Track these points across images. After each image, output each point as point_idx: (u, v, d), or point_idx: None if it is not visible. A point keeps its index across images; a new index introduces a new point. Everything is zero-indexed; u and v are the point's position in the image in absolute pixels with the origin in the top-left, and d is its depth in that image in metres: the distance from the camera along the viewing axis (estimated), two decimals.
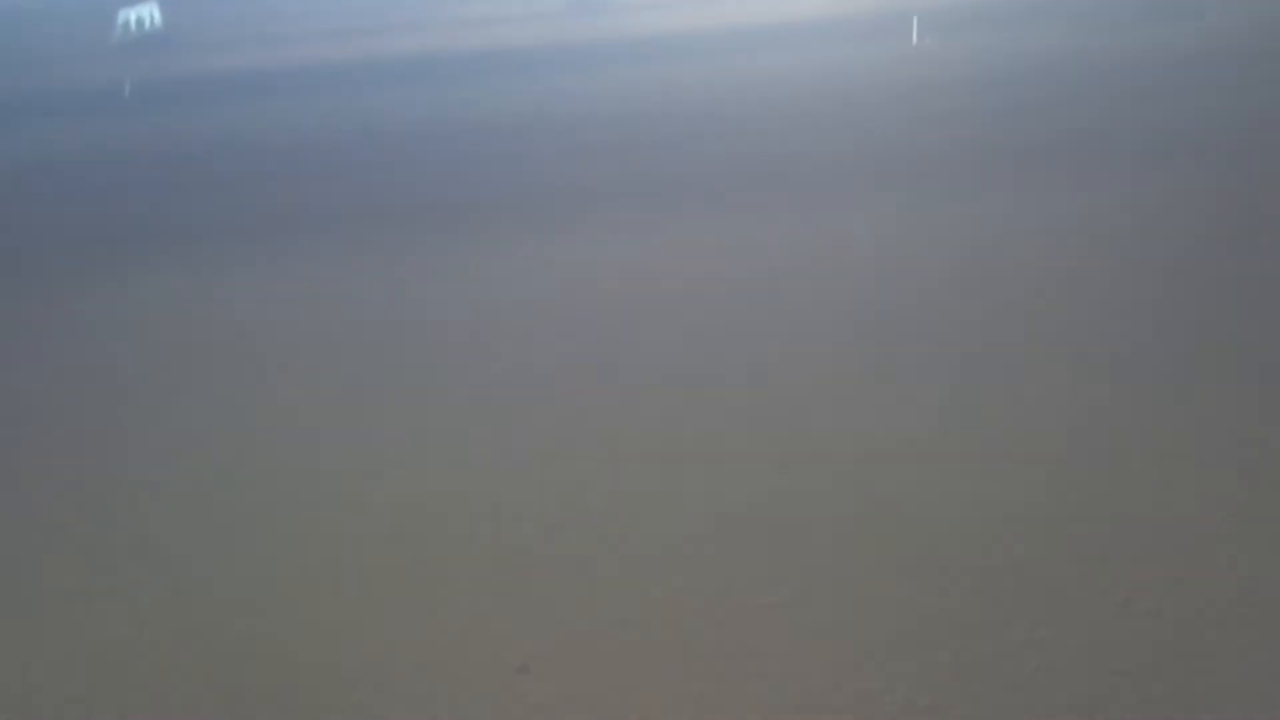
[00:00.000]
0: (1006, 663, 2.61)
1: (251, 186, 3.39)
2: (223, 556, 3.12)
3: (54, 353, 3.59)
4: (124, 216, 3.47)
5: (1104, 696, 2.50)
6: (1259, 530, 2.91)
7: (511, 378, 3.49)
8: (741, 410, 3.40)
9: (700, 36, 2.87)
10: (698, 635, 2.76)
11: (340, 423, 3.46)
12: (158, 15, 3.28)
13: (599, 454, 3.31)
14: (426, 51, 3.64)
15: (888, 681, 2.61)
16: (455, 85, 3.17)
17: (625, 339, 3.54)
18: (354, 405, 3.47)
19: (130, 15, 3.15)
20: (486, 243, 3.36)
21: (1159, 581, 2.81)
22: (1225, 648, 2.62)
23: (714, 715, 2.49)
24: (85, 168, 3.15)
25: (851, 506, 3.08)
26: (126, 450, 3.52)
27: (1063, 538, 2.97)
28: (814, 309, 3.48)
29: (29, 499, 3.35)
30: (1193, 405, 3.24)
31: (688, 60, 2.85)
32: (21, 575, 3.05)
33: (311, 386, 3.48)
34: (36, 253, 3.24)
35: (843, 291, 3.43)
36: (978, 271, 3.26)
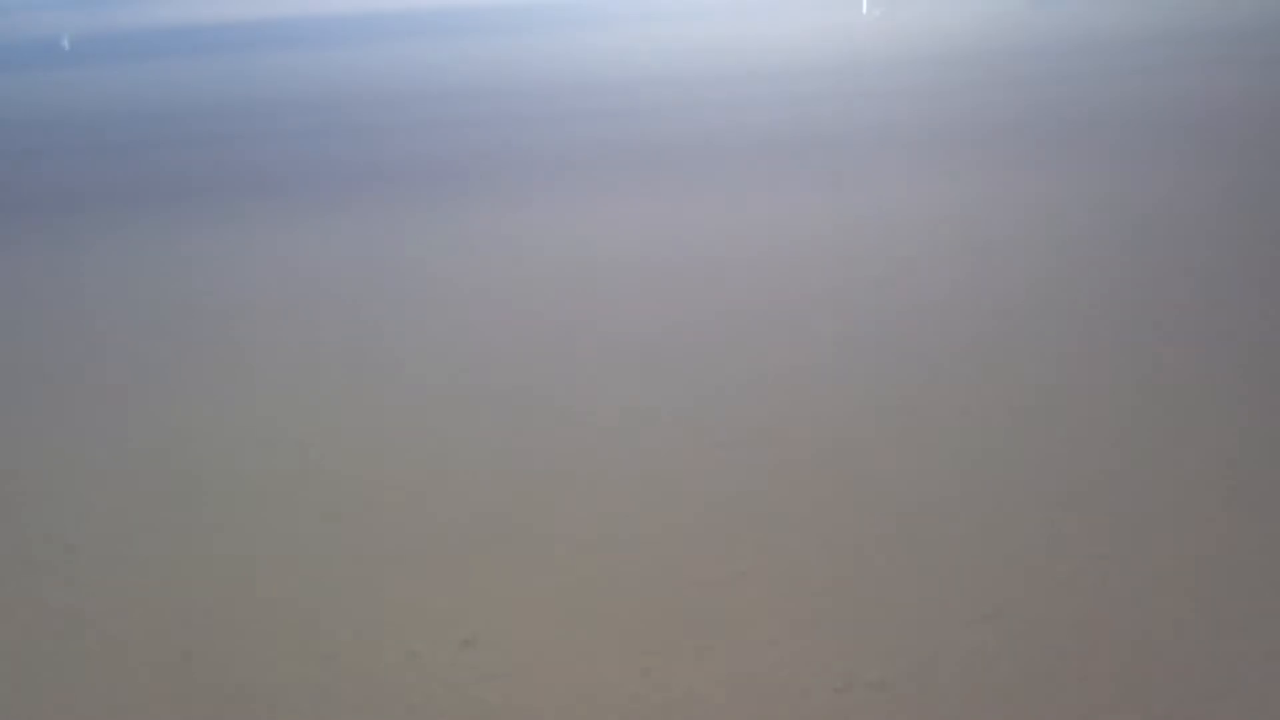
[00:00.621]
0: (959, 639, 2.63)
1: (185, 150, 3.32)
2: (175, 524, 3.08)
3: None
4: (62, 177, 3.38)
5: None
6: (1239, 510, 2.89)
7: (462, 352, 3.45)
8: (693, 390, 3.39)
9: (649, 3, 2.81)
10: (645, 609, 2.83)
11: (297, 393, 3.42)
12: None
13: (550, 430, 3.30)
14: (383, 9, 3.52)
15: (833, 658, 2.67)
16: (407, 44, 3.08)
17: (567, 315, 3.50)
18: (312, 373, 3.43)
19: None
20: (444, 209, 3.31)
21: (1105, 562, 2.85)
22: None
23: (660, 688, 2.54)
24: (20, 126, 3.06)
25: (798, 476, 3.08)
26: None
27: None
28: (768, 285, 3.46)
29: None
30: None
31: (635, 26, 2.80)
32: None
33: (265, 351, 3.43)
34: None
35: (786, 269, 3.42)
36: (913, 247, 3.26)
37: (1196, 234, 3.22)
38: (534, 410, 3.26)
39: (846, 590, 2.81)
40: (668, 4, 3.08)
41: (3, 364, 3.31)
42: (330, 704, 2.51)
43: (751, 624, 2.78)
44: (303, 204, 3.50)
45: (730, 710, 2.42)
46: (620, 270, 3.24)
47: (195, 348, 3.18)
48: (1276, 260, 3.20)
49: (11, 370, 3.31)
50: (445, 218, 3.39)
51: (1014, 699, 2.43)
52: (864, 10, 2.77)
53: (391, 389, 3.33)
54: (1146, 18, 3.01)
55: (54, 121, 2.93)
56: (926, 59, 2.87)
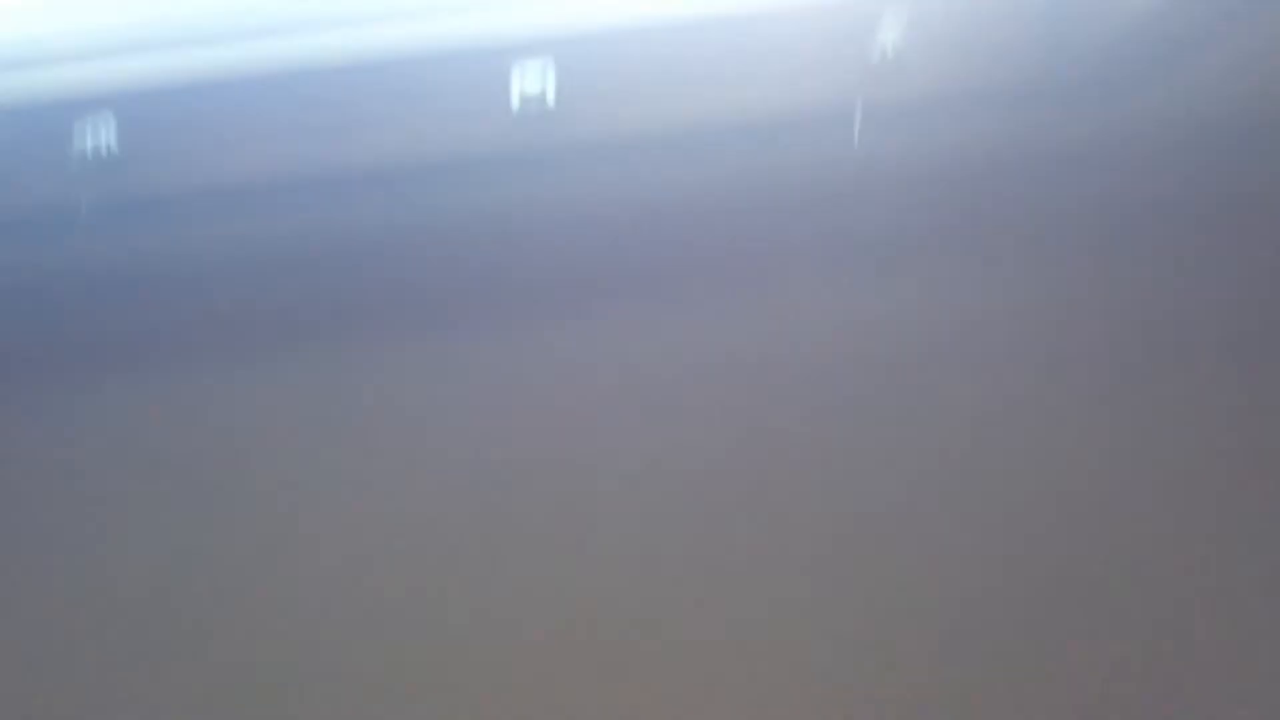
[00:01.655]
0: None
1: (217, 298, 3.41)
2: (206, 563, 3.11)
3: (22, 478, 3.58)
4: (85, 334, 3.49)
5: None
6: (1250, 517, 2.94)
7: (489, 470, 3.51)
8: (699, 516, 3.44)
9: (636, 141, 2.90)
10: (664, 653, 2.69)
11: (333, 520, 3.48)
12: (113, 135, 3.29)
13: (550, 573, 3.35)
14: (395, 153, 3.66)
15: (866, 684, 2.51)
16: (418, 187, 3.18)
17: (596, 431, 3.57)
18: (343, 504, 3.49)
19: (86, 137, 3.18)
20: (480, 336, 3.39)
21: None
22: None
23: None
24: (44, 288, 3.14)
25: (823, 520, 3.11)
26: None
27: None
28: (782, 396, 3.52)
29: None
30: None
31: (628, 165, 2.89)
32: None
33: (299, 491, 3.50)
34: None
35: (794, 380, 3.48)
36: (931, 366, 3.32)
37: (1202, 331, 3.28)
38: (534, 535, 3.30)
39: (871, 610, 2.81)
40: (652, 144, 3.21)
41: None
42: None
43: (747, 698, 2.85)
44: (297, 341, 3.57)
45: None
46: (625, 381, 3.30)
47: (198, 484, 3.23)
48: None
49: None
50: (443, 343, 3.45)
51: None
52: (854, 142, 2.85)
53: (388, 513, 3.38)
54: (1141, 124, 3.09)
55: (72, 284, 3.03)
56: (924, 185, 2.94)
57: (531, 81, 3.17)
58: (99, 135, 3.36)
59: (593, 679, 2.96)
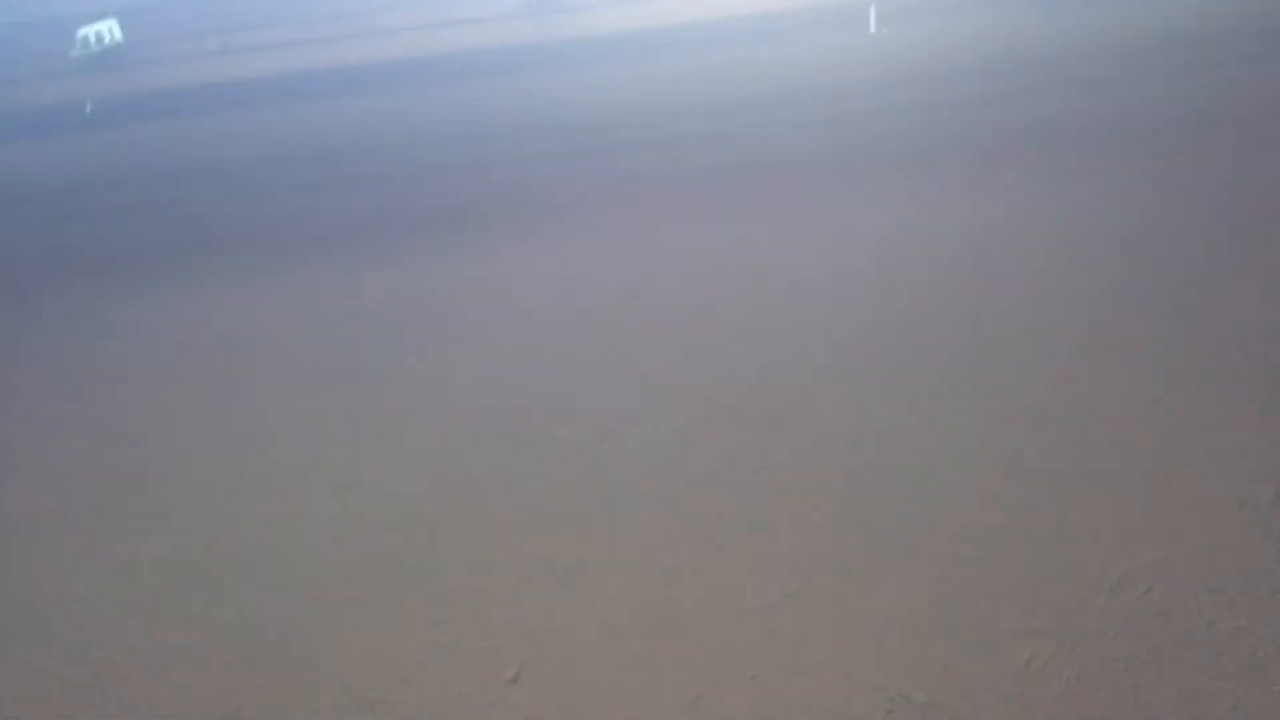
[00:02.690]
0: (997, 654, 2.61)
1: (222, 203, 3.33)
2: (206, 570, 2.95)
3: (36, 377, 3.46)
4: (90, 238, 3.40)
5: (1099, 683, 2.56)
6: (1249, 510, 2.87)
7: (502, 389, 3.35)
8: (734, 415, 3.29)
9: (651, 34, 2.88)
10: (692, 640, 2.81)
11: (333, 432, 3.31)
12: (118, 31, 3.30)
13: (587, 462, 3.18)
14: (390, 58, 3.66)
15: (882, 679, 2.65)
16: (421, 91, 3.15)
17: (609, 344, 3.42)
18: (349, 418, 3.33)
19: (89, 32, 3.18)
20: (481, 247, 3.29)
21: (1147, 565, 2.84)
22: (1219, 629, 2.68)
23: (710, 717, 2.54)
24: (49, 189, 3.10)
25: (836, 504, 2.98)
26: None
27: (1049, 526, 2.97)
28: (804, 304, 3.38)
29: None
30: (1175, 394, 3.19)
31: (640, 59, 2.85)
32: None
33: (304, 400, 3.34)
34: (6, 276, 3.17)
35: (828, 285, 3.34)
36: (958, 266, 3.20)
37: (1200, 234, 3.16)
38: (570, 445, 3.15)
39: (894, 611, 2.72)
40: (672, 35, 3.18)
41: (23, 411, 3.23)
42: None
43: (799, 649, 2.75)
44: (310, 249, 3.47)
45: None
46: (640, 296, 3.17)
47: (218, 377, 3.09)
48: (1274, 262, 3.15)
49: (41, 412, 3.23)
50: (455, 257, 3.35)
51: (1064, 715, 2.43)
52: (871, 29, 2.82)
53: (424, 424, 3.22)
54: (1155, 23, 3.07)
55: (82, 184, 2.98)
56: (936, 74, 2.90)
57: None
58: (103, 34, 3.32)
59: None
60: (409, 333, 3.38)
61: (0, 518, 3.19)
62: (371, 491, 3.19)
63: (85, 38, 3.02)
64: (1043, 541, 2.89)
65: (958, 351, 3.22)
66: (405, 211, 3.25)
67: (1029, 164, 3.29)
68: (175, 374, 3.39)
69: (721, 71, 3.09)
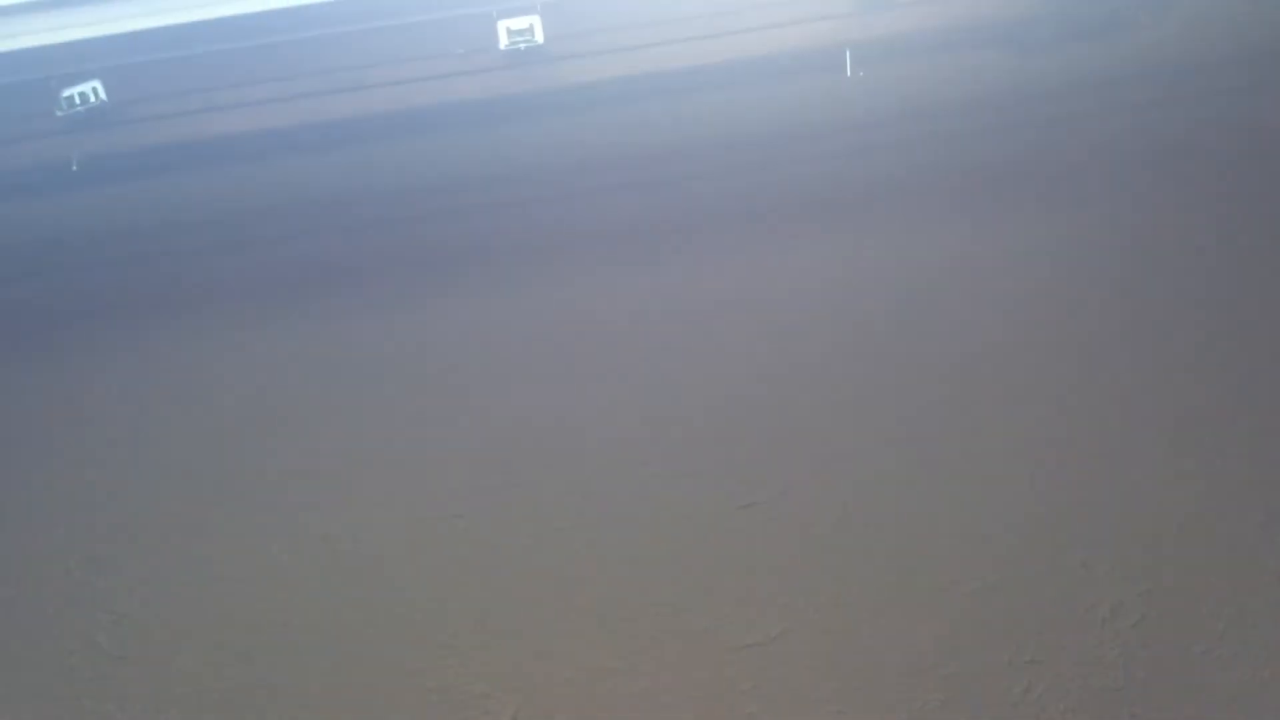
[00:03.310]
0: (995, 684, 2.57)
1: (210, 257, 3.37)
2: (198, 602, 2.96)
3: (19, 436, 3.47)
4: (82, 292, 3.44)
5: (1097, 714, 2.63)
6: (1244, 539, 2.98)
7: (488, 431, 3.38)
8: (722, 449, 3.33)
9: (628, 82, 2.94)
10: (686, 678, 2.87)
11: (320, 478, 3.34)
12: (101, 91, 3.33)
13: (579, 500, 3.21)
14: (371, 111, 3.72)
15: (877, 712, 2.72)
16: (408, 143, 3.21)
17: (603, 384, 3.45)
18: (344, 463, 3.35)
19: (73, 92, 3.21)
20: (486, 291, 3.33)
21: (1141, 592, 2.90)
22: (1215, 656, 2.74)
23: None
24: (34, 246, 3.13)
25: (827, 535, 3.00)
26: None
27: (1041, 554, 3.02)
28: (786, 336, 3.43)
29: None
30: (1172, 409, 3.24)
31: (622, 107, 2.91)
32: None
33: (287, 449, 3.37)
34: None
35: (807, 318, 3.39)
36: (940, 298, 3.25)
37: (1193, 265, 3.22)
38: (560, 484, 3.17)
39: (888, 646, 2.75)
40: (649, 84, 3.22)
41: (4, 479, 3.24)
42: None
43: (794, 685, 2.81)
44: (311, 303, 3.50)
45: None
46: (628, 340, 3.21)
47: (210, 453, 3.11)
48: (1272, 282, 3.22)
49: (13, 483, 3.24)
50: (457, 304, 3.39)
51: None
52: (847, 73, 2.87)
53: (410, 462, 3.24)
54: (1130, 58, 3.15)
55: (64, 239, 3.03)
56: (914, 114, 2.96)
57: (519, 21, 3.19)
58: (86, 92, 3.36)
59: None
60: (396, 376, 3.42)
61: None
62: (355, 538, 3.20)
63: (70, 97, 3.05)
64: (1035, 574, 2.91)
65: (945, 385, 3.25)
66: (386, 257, 3.29)
67: (995, 199, 3.34)
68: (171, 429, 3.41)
69: (689, 118, 3.14)
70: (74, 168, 3.04)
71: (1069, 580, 2.91)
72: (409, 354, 3.37)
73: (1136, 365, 3.30)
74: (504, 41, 2.99)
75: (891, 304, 3.36)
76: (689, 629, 2.93)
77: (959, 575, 2.94)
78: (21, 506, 3.24)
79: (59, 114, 2.99)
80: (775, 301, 3.43)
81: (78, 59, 3.01)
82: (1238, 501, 3.00)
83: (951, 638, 2.79)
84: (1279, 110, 3.47)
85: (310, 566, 3.15)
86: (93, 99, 2.99)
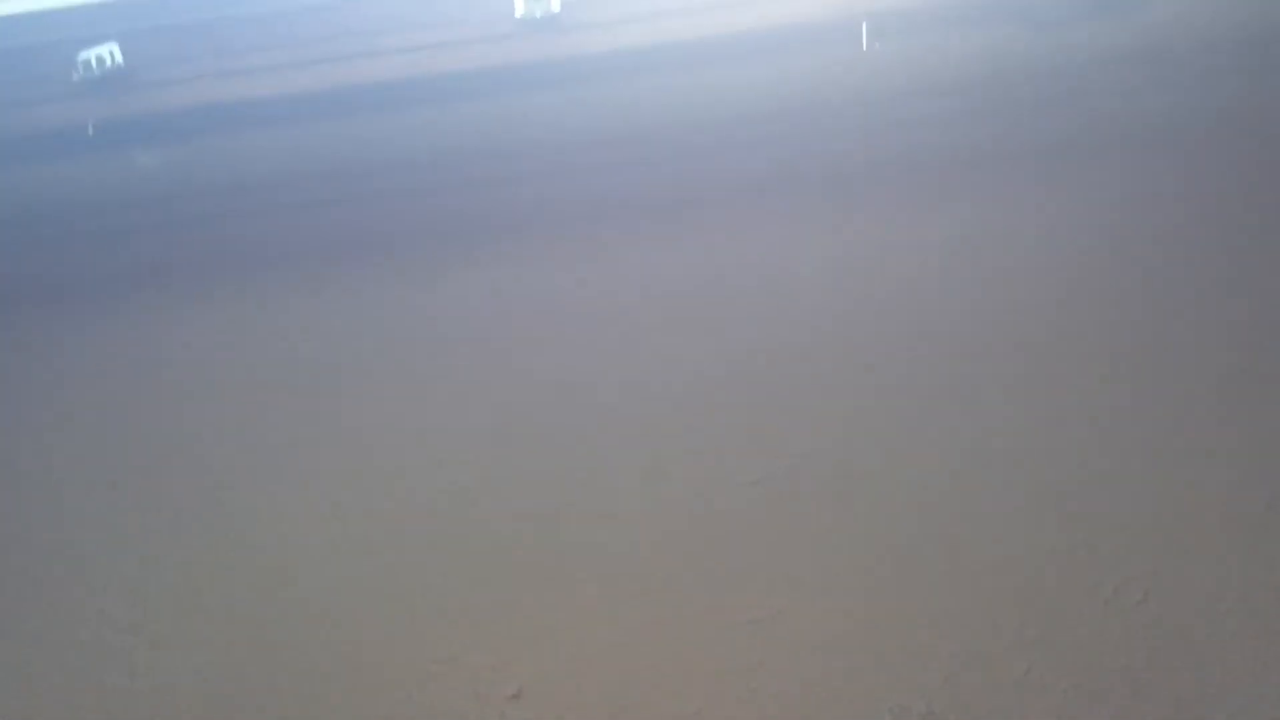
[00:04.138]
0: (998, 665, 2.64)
1: (225, 223, 3.37)
2: (202, 591, 2.96)
3: (32, 406, 3.47)
4: (102, 260, 3.43)
5: (1099, 694, 2.58)
6: (1247, 520, 2.91)
7: (502, 404, 3.36)
8: (728, 425, 3.30)
9: (647, 53, 2.90)
10: (691, 652, 2.83)
11: (333, 447, 3.33)
12: (119, 55, 3.33)
13: (588, 477, 3.19)
14: (389, 78, 3.68)
15: (881, 690, 2.66)
16: (422, 111, 3.18)
17: (617, 358, 3.43)
18: (347, 428, 3.34)
19: (90, 55, 3.21)
20: (495, 264, 3.31)
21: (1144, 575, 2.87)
22: (1218, 639, 2.70)
23: None
24: (53, 210, 3.12)
25: (833, 511, 2.99)
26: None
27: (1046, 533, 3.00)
28: (805, 311, 3.40)
29: None
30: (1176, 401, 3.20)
31: (627, 79, 2.87)
32: None
33: (300, 420, 3.36)
34: (11, 301, 3.19)
35: (828, 294, 3.36)
36: (951, 275, 3.22)
37: (1207, 242, 3.19)
38: (570, 457, 3.16)
39: (892, 624, 2.74)
40: (665, 54, 3.18)
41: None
42: None
43: (797, 662, 2.76)
44: (311, 274, 3.49)
45: None
46: (635, 308, 3.19)
47: (197, 428, 3.11)
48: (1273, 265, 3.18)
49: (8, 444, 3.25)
50: (453, 275, 3.37)
51: None
52: (863, 46, 2.84)
53: (423, 433, 3.23)
54: (1143, 35, 3.09)
55: (86, 205, 3.02)
56: (930, 89, 2.93)
57: None
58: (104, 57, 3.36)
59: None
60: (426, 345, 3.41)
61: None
62: (362, 509, 3.20)
63: (86, 61, 3.05)
64: (1039, 553, 2.90)
65: (949, 363, 3.23)
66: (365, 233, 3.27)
67: (1010, 176, 3.31)
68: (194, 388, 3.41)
69: (707, 90, 3.11)
70: (90, 132, 3.04)
71: (1072, 559, 2.90)
72: (425, 323, 3.36)
73: (1142, 346, 3.28)
74: (520, 10, 2.97)
75: (904, 278, 3.34)
76: (694, 604, 2.93)
77: (962, 554, 2.94)
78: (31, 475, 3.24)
79: (76, 78, 2.97)
80: (789, 275, 3.42)
81: (95, 22, 3.00)
82: (1241, 482, 2.99)
83: (954, 617, 2.79)
84: None
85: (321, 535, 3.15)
86: (109, 62, 2.97)
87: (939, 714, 2.49)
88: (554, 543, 3.12)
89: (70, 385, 3.48)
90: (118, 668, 2.88)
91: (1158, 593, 2.82)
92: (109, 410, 3.42)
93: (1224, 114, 3.21)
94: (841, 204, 3.26)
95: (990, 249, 3.28)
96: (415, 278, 3.22)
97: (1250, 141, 3.27)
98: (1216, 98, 3.17)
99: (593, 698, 2.67)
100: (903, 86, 3.12)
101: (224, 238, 3.24)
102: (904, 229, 3.26)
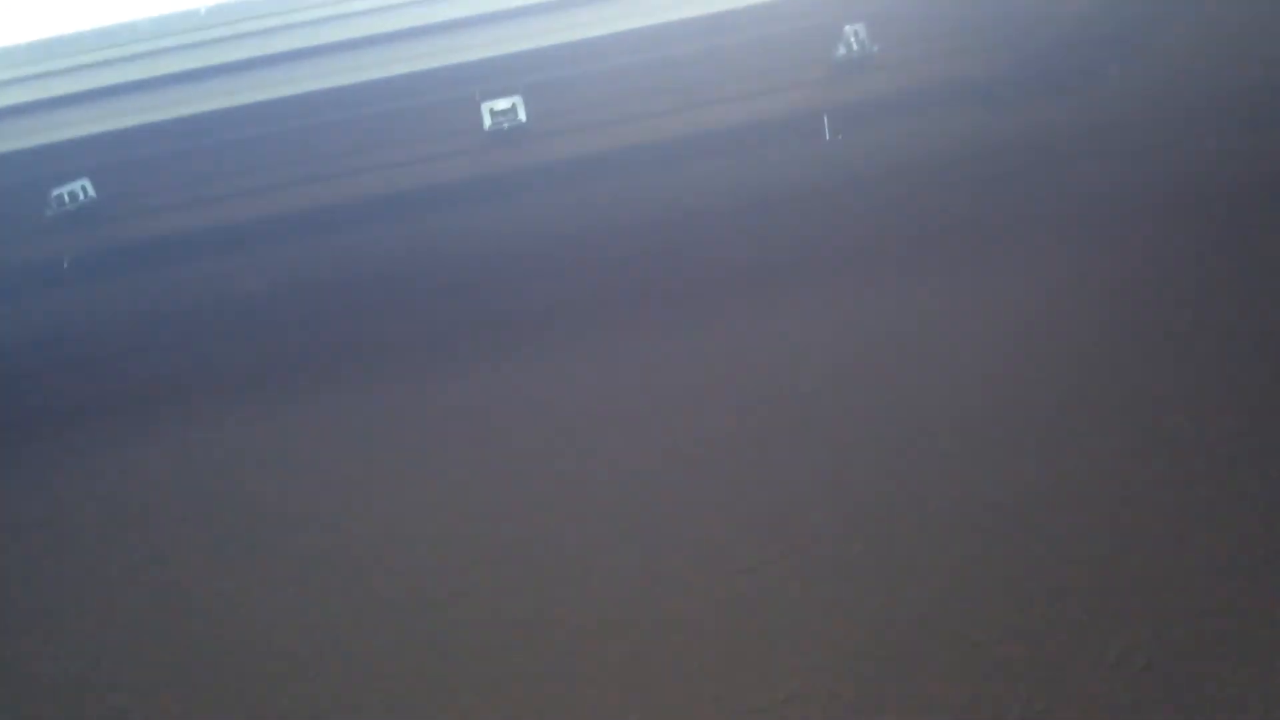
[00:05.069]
0: None
1: (203, 347, 3.40)
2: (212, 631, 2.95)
3: (26, 538, 3.47)
4: (76, 389, 3.46)
5: None
6: (1252, 572, 2.86)
7: (491, 500, 3.39)
8: (721, 512, 3.34)
9: (612, 156, 2.96)
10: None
11: (338, 527, 3.35)
12: (90, 189, 3.33)
13: (567, 577, 3.22)
14: (361, 196, 3.73)
15: None
16: (392, 227, 3.23)
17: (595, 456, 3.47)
18: (347, 521, 3.36)
19: (63, 191, 3.22)
20: (467, 372, 3.35)
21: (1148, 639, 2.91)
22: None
23: None
24: (32, 344, 3.14)
25: (830, 601, 3.03)
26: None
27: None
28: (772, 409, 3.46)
29: None
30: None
31: (589, 183, 2.94)
32: None
33: (293, 536, 3.37)
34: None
35: (799, 386, 3.42)
36: (921, 355, 3.29)
37: (1181, 312, 3.28)
38: (557, 551, 3.19)
39: (899, 703, 2.78)
40: (630, 155, 3.24)
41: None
42: None
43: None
44: (302, 389, 3.52)
45: None
46: (615, 407, 3.24)
47: (206, 546, 3.12)
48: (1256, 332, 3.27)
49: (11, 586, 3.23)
50: (448, 379, 3.41)
51: None
52: (826, 136, 2.90)
53: (411, 541, 3.25)
54: (1101, 110, 3.20)
55: (55, 339, 3.04)
56: (891, 174, 3.00)
57: (502, 102, 3.25)
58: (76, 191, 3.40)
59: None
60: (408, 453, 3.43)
61: None
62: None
63: (59, 196, 3.08)
64: (1041, 625, 2.92)
65: (939, 439, 3.28)
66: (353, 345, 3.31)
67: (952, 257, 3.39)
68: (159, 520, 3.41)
69: (683, 189, 3.18)
70: (65, 265, 3.06)
71: (1075, 626, 2.92)
72: (407, 431, 3.38)
73: (1131, 412, 3.34)
74: (488, 122, 3.04)
75: (880, 362, 3.39)
76: (699, 693, 2.92)
77: (965, 628, 2.95)
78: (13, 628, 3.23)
79: (49, 213, 3.01)
80: (763, 364, 3.46)
81: (67, 159, 3.03)
82: (1243, 541, 3.03)
83: (960, 692, 2.80)
84: (1247, 158, 3.54)
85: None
86: (82, 197, 3.01)
87: None
88: (541, 640, 3.11)
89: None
90: None
91: (1162, 656, 2.84)
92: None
93: (1187, 184, 3.31)
94: (813, 291, 3.32)
95: (966, 327, 3.34)
96: (402, 382, 3.25)
97: (1216, 210, 3.37)
98: (1178, 168, 3.27)
99: None
100: (866, 173, 3.20)
101: (196, 362, 3.26)
102: (877, 313, 3.32)
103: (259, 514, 3.44)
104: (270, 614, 3.15)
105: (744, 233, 3.40)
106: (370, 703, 3.01)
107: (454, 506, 3.32)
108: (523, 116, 3.00)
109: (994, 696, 2.74)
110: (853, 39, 3.19)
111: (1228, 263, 3.52)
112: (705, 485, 3.29)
